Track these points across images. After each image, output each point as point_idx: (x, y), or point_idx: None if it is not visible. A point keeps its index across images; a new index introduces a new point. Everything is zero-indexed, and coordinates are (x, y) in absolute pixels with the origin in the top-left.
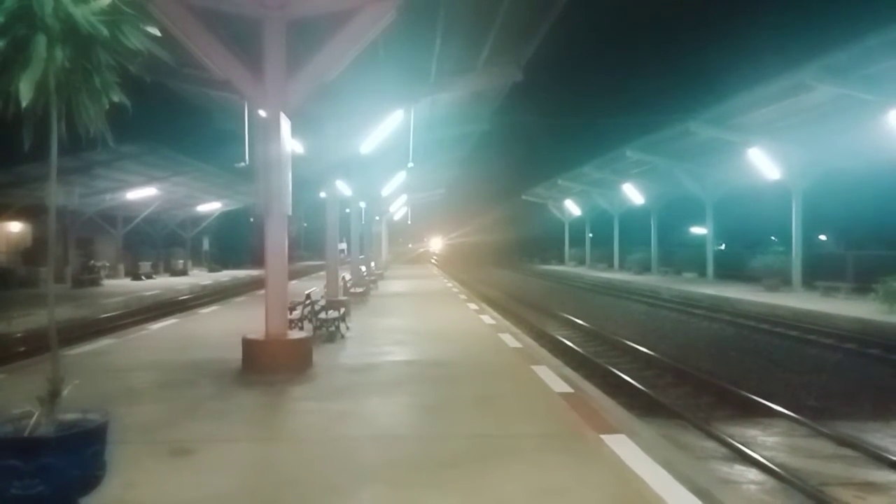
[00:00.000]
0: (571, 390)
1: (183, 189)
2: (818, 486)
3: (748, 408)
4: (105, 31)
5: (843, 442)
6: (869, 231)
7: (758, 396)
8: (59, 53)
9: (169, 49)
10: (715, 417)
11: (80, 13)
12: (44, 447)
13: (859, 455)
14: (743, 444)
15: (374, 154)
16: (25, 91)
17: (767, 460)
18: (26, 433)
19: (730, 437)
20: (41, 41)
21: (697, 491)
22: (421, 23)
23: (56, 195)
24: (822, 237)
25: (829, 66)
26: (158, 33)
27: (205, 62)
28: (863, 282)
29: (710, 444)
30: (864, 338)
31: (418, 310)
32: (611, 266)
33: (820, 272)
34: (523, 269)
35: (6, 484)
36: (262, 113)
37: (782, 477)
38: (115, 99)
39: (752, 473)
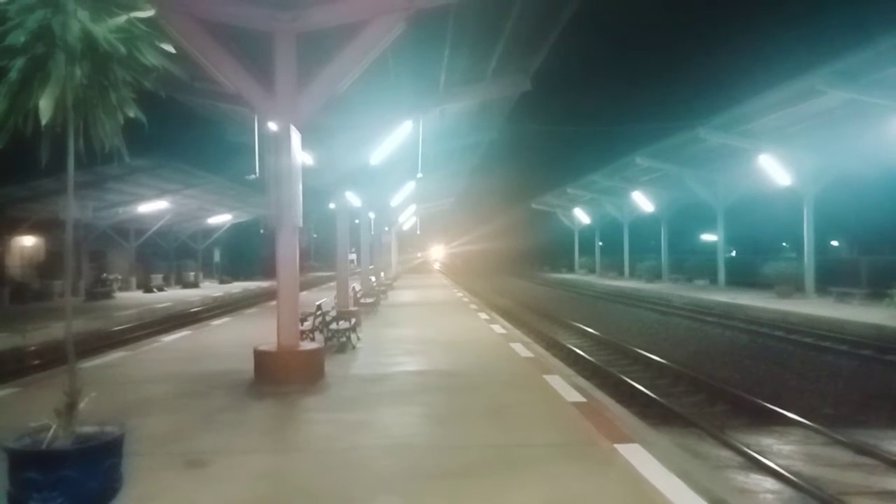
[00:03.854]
0: (584, 400)
1: (194, 201)
2: (836, 495)
3: (763, 416)
4: (122, 49)
5: (860, 450)
6: (882, 236)
7: (773, 404)
8: (78, 71)
9: (181, 64)
10: (730, 426)
11: (98, 31)
12: (62, 460)
13: (878, 463)
14: (759, 453)
15: (384, 165)
16: (46, 108)
17: (784, 469)
18: (44, 446)
19: (745, 445)
20: (60, 59)
21: (713, 500)
22: (430, 34)
23: (72, 209)
24: (835, 243)
25: (839, 70)
26: (173, 50)
27: (216, 76)
28: (877, 287)
29: (726, 453)
30: (880, 344)
31: (429, 320)
32: (621, 274)
33: (833, 278)
34: (533, 278)
35: (25, 496)
36: (272, 125)
37: (799, 486)
38: (131, 114)
39: (769, 482)
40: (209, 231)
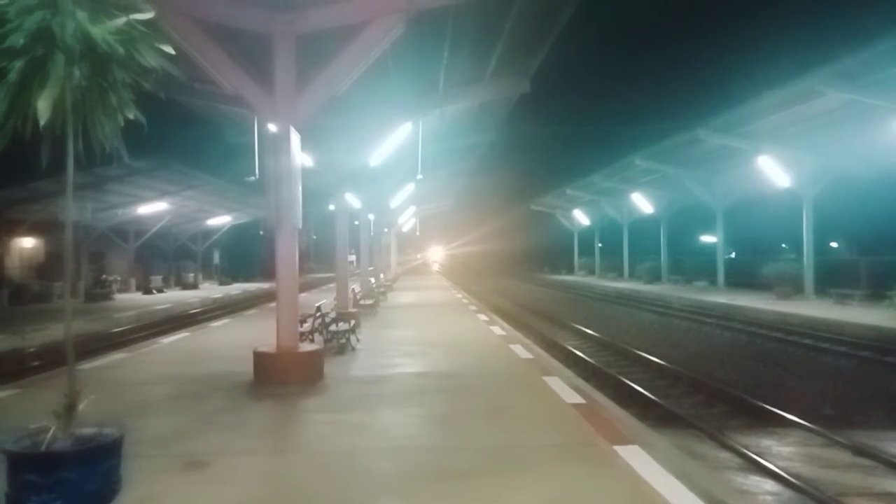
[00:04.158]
0: (583, 401)
1: (194, 203)
2: (835, 497)
3: (763, 417)
4: (121, 50)
5: (860, 451)
6: (881, 237)
7: (772, 406)
8: (77, 72)
9: (180, 65)
10: (729, 427)
11: (97, 33)
12: (61, 462)
13: (877, 465)
14: (758, 455)
15: (383, 166)
16: (43, 109)
17: (783, 470)
18: (43, 448)
19: (745, 447)
20: (59, 60)
21: (713, 502)
22: (429, 35)
23: (71, 211)
24: (834, 244)
25: (838, 71)
26: (172, 51)
27: (216, 77)
28: (876, 288)
29: (725, 455)
30: (880, 345)
31: (428, 321)
32: (620, 275)
33: (832, 279)
34: (533, 279)
35: (24, 498)
36: (272, 127)
37: (799, 487)
38: (130, 116)
39: (768, 484)
40: (209, 232)
